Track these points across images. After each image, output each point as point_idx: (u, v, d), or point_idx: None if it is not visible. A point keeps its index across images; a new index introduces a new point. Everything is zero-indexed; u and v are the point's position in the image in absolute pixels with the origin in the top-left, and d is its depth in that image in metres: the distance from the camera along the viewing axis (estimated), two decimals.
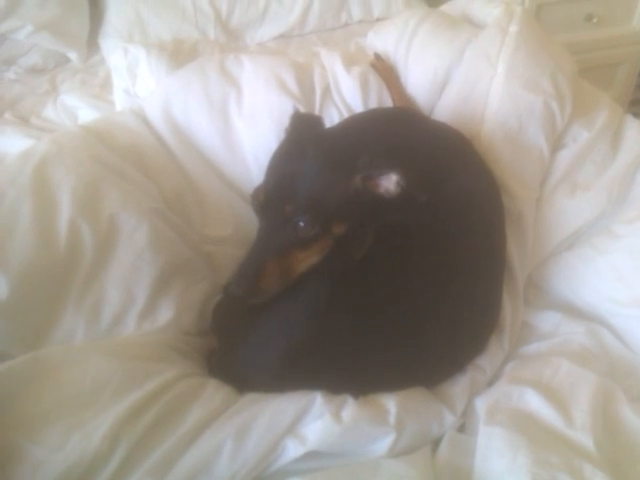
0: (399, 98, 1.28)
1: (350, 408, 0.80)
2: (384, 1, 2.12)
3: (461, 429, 0.89)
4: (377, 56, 1.38)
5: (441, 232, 0.91)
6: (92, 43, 1.94)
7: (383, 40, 1.44)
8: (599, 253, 1.10)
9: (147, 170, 1.08)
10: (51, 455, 0.70)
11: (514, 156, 1.12)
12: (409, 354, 0.88)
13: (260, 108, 1.17)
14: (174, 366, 0.86)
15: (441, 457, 0.81)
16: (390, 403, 0.83)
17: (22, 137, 1.46)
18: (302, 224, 0.83)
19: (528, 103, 1.13)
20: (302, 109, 1.16)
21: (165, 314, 0.95)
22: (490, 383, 0.97)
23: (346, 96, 1.24)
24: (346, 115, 1.22)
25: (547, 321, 1.09)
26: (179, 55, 1.41)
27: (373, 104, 1.24)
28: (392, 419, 0.81)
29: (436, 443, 0.84)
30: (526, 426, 0.81)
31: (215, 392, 0.83)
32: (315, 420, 0.78)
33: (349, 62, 1.29)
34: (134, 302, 0.93)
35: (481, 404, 0.89)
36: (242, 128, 1.17)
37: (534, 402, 0.85)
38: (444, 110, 1.25)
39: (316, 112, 1.21)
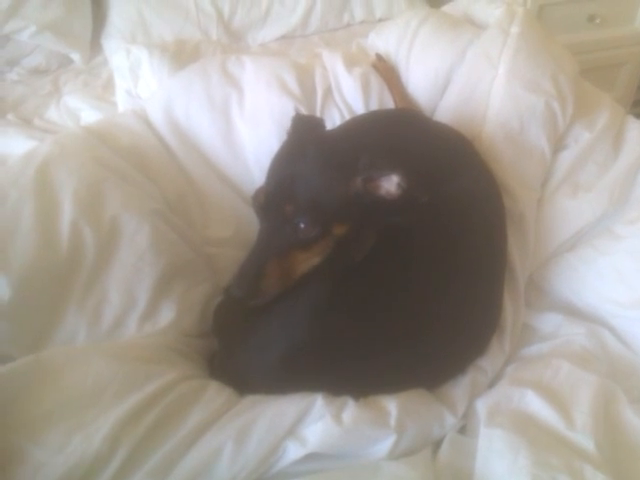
0: (400, 99, 1.28)
1: (351, 410, 0.80)
2: (386, 2, 2.12)
3: (462, 431, 0.89)
4: (378, 57, 1.38)
5: (442, 233, 0.91)
6: (95, 44, 1.95)
7: (384, 40, 1.44)
8: (600, 254, 1.10)
9: (149, 171, 1.08)
10: (52, 457, 0.70)
11: (515, 157, 1.12)
12: (410, 355, 0.88)
13: (261, 109, 1.17)
14: (175, 368, 0.86)
15: (442, 459, 0.81)
16: (391, 405, 0.83)
17: (25, 138, 1.46)
18: (302, 225, 0.83)
19: (530, 104, 1.12)
20: (303, 110, 1.17)
21: (166, 316, 0.95)
22: (491, 384, 0.97)
23: (347, 97, 1.25)
24: (347, 116, 1.22)
25: (548, 322, 1.09)
26: (181, 56, 1.42)
27: (374, 105, 1.25)
28: (393, 421, 0.81)
29: (437, 445, 0.84)
30: (527, 428, 0.81)
31: (216, 394, 0.83)
32: (316, 422, 0.78)
33: (350, 63, 1.29)
34: (135, 304, 0.93)
35: (482, 406, 0.89)
36: (243, 129, 1.17)
37: (535, 404, 0.85)
38: (445, 111, 1.25)
39: (317, 113, 1.22)
